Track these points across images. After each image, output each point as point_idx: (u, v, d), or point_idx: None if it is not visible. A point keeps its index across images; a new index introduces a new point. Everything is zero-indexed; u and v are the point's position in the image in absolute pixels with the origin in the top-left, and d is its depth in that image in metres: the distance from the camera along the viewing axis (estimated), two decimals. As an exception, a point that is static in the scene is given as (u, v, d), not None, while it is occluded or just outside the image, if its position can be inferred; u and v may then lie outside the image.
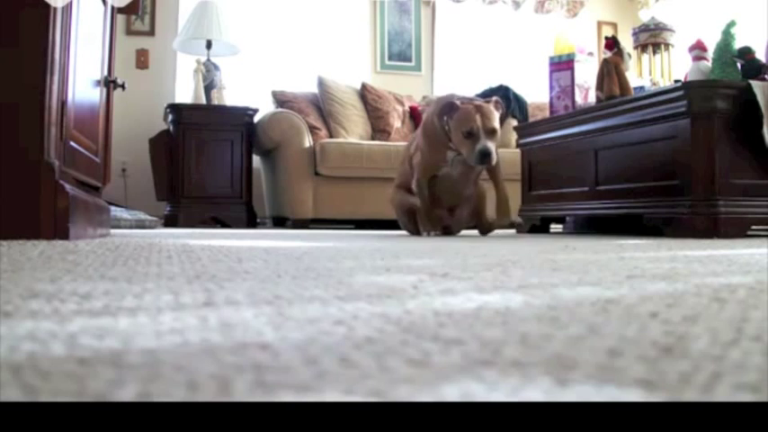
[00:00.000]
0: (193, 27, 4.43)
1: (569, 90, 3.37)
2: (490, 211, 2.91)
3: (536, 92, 4.96)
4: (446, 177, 2.82)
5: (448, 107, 2.64)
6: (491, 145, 2.58)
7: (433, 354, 0.40)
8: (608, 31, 5.79)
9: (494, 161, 2.59)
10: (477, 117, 2.57)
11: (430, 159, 2.79)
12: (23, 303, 0.57)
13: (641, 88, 3.33)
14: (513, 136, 3.99)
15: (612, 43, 3.23)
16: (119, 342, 0.42)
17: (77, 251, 1.24)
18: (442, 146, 2.74)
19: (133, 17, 4.72)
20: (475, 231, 3.00)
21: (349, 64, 5.31)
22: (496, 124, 2.63)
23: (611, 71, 3.13)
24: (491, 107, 2.66)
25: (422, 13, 5.62)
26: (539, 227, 3.43)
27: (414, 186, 2.86)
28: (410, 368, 0.36)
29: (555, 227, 2.80)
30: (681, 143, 2.62)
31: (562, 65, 3.42)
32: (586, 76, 3.43)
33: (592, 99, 3.35)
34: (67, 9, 1.69)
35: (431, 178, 2.82)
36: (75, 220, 1.65)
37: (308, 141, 4.15)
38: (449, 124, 2.66)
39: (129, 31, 4.80)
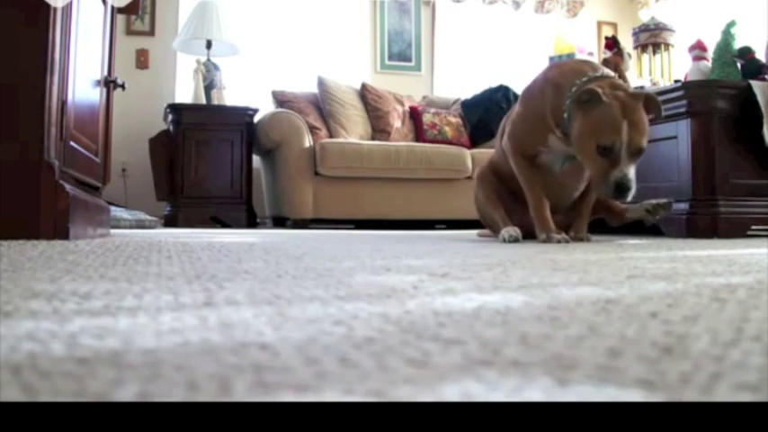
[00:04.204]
0: (193, 27, 4.43)
1: (569, 90, 3.37)
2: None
3: (536, 92, 4.95)
4: (545, 171, 2.12)
5: (587, 95, 1.83)
6: (633, 173, 1.81)
7: (433, 354, 0.40)
8: (608, 31, 5.78)
9: (631, 197, 1.83)
10: (624, 127, 1.77)
11: (526, 134, 2.09)
12: (23, 303, 0.57)
13: (641, 88, 3.33)
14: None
15: (612, 43, 3.23)
16: (119, 342, 0.42)
17: (77, 251, 1.24)
18: (544, 124, 2.02)
19: (133, 17, 4.72)
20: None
21: (349, 64, 5.31)
22: (645, 142, 1.83)
23: (611, 71, 3.13)
24: (642, 109, 1.83)
25: (422, 13, 5.62)
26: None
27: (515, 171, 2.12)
28: (410, 368, 0.36)
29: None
30: (681, 143, 2.62)
31: (562, 65, 3.42)
32: (586, 76, 3.42)
33: (592, 99, 3.34)
34: (67, 9, 1.69)
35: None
36: (75, 220, 1.65)
37: (308, 141, 4.15)
38: (574, 115, 1.88)
39: (129, 31, 4.80)
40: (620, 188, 1.79)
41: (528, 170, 2.11)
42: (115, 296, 0.63)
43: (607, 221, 2.34)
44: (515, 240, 2.02)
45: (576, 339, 0.45)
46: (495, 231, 2.23)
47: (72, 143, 1.78)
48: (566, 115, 1.92)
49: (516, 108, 2.20)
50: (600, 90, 1.81)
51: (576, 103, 1.86)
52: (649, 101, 1.88)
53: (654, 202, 2.22)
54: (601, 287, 0.76)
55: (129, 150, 4.55)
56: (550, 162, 2.10)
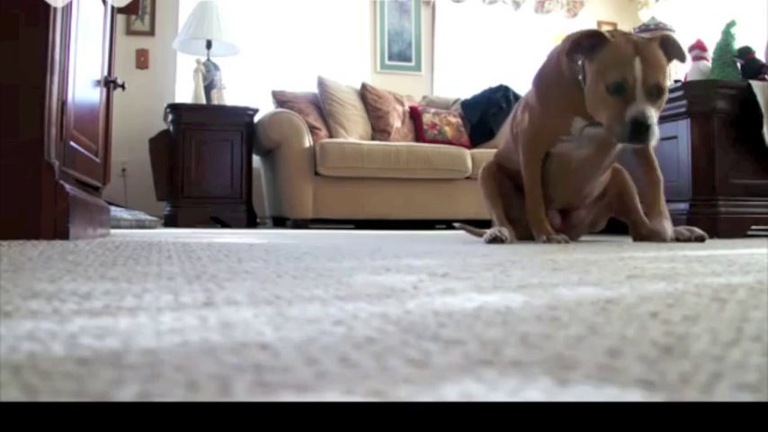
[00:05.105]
0: (193, 27, 4.43)
1: (569, 90, 3.36)
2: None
3: (536, 92, 4.95)
4: (563, 160, 1.96)
5: (588, 37, 1.75)
6: (652, 112, 1.67)
7: (433, 354, 0.40)
8: (608, 31, 5.78)
9: (653, 141, 1.70)
10: (636, 62, 1.67)
11: (543, 126, 1.92)
12: (23, 303, 0.57)
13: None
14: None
15: (612, 43, 3.23)
16: (119, 342, 0.42)
17: (77, 251, 1.24)
18: (567, 106, 1.85)
19: (133, 17, 4.72)
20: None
21: (349, 64, 5.31)
22: (664, 78, 1.72)
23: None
24: (657, 48, 1.74)
25: (422, 13, 5.62)
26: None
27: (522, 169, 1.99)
28: (410, 368, 0.36)
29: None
30: (681, 143, 2.62)
31: (562, 65, 3.41)
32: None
33: (592, 99, 3.34)
34: (67, 9, 1.69)
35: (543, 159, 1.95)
36: (75, 220, 1.65)
37: (308, 141, 4.15)
38: (585, 69, 1.77)
39: (129, 31, 4.80)
40: (638, 126, 1.63)
41: (535, 169, 1.97)
42: (115, 296, 0.63)
43: (632, 236, 2.13)
44: (500, 241, 1.86)
45: (576, 339, 0.45)
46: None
47: (72, 143, 1.78)
48: (580, 77, 1.80)
49: (530, 98, 2.01)
50: (605, 32, 1.74)
51: (584, 53, 1.76)
52: (668, 43, 1.76)
53: (686, 233, 2.03)
54: (601, 287, 0.76)
55: (129, 150, 4.55)
56: (566, 153, 1.94)
